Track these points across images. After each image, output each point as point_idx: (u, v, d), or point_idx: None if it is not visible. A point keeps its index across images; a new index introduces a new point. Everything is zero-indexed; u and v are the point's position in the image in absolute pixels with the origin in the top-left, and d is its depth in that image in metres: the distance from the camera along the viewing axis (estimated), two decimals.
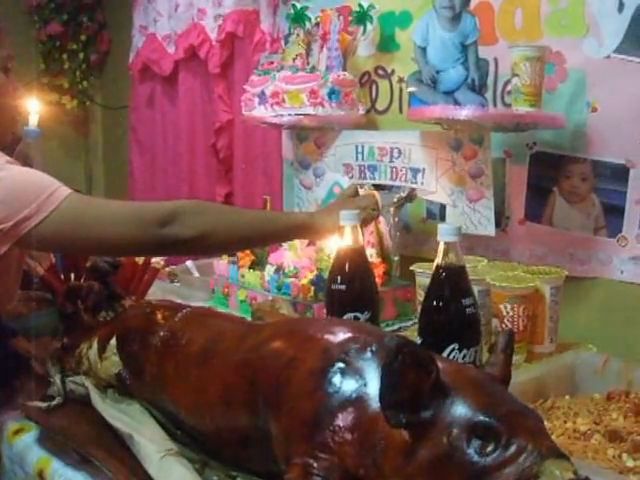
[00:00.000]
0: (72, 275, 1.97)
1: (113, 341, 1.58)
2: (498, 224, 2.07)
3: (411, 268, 1.86)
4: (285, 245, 2.18)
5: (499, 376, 1.04)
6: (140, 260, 2.02)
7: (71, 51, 4.27)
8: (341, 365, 1.06)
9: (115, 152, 4.33)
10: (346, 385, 1.03)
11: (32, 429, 1.63)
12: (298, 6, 2.49)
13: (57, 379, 1.70)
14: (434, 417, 0.92)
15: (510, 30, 2.11)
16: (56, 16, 4.23)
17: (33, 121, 2.07)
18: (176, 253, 1.91)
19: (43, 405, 1.66)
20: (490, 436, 0.89)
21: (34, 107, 2.07)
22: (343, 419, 1.01)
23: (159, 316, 1.49)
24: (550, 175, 2.07)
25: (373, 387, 1.00)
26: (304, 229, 1.77)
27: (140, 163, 3.92)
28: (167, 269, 2.50)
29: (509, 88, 2.01)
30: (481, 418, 0.90)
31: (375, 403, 0.97)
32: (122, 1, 3.99)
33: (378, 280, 1.79)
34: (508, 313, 1.69)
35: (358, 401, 1.01)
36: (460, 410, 0.92)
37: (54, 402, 1.67)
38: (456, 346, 1.33)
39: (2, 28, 1.75)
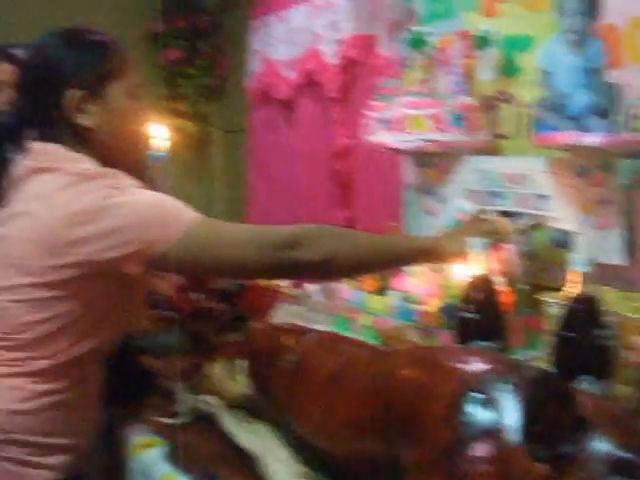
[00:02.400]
0: (199, 296, 2.02)
1: (241, 362, 1.61)
2: (629, 253, 2.03)
3: (540, 297, 1.84)
4: (409, 270, 2.18)
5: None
6: (265, 282, 2.05)
7: (190, 76, 4.38)
8: (478, 395, 1.06)
9: (234, 175, 4.40)
10: (483, 416, 1.03)
11: (158, 444, 1.67)
12: (418, 31, 2.50)
13: (184, 397, 1.75)
14: (574, 452, 0.91)
15: (638, 53, 2.08)
16: (175, 42, 4.35)
17: (160, 146, 2.12)
18: (298, 277, 1.95)
19: (170, 422, 1.71)
20: (630, 472, 0.87)
21: (161, 132, 2.12)
22: (480, 450, 1.01)
23: (287, 339, 1.52)
24: None
25: (511, 419, 1.00)
26: (429, 253, 1.73)
27: (259, 186, 3.97)
28: (290, 291, 2.53)
29: (638, 113, 1.97)
30: (621, 454, 0.89)
31: (513, 435, 0.96)
32: (240, 26, 4.06)
33: (507, 308, 1.77)
34: None
35: (495, 432, 1.01)
36: (600, 445, 0.91)
37: (181, 419, 1.72)
38: (590, 378, 1.31)
39: (132, 56, 1.81)
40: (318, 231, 1.62)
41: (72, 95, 1.66)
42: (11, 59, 2.61)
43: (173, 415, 1.77)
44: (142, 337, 1.99)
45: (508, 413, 1.01)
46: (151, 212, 1.57)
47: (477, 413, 1.04)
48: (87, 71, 1.68)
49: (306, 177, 3.58)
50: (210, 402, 1.69)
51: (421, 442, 1.10)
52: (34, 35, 3.68)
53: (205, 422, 1.71)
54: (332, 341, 1.51)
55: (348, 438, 1.28)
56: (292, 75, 3.57)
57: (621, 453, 0.89)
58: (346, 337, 1.65)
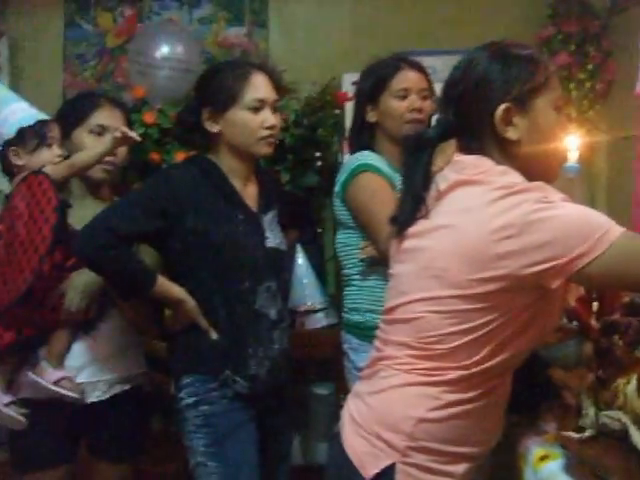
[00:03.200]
0: (601, 309, 1.99)
1: None
2: None
3: None
4: None
5: None
6: None
7: (578, 80, 4.34)
8: None
9: (618, 181, 4.31)
10: None
11: (558, 457, 1.69)
12: None
13: (591, 412, 1.74)
14: None
15: None
16: (564, 47, 4.33)
17: (573, 157, 2.12)
18: None
19: (576, 435, 1.72)
20: None
21: (574, 143, 2.12)
22: None
23: None
24: None
25: None
26: None
27: None
28: None
29: None
30: None
31: None
32: (630, 30, 3.96)
33: None
34: None
35: None
36: None
37: (586, 433, 1.72)
38: None
39: (555, 68, 1.83)
40: None
41: (502, 109, 1.71)
42: (414, 67, 2.75)
43: (577, 428, 1.77)
44: (544, 348, 2.01)
45: None
46: (577, 226, 1.57)
47: None
48: (517, 85, 1.72)
49: None
50: (618, 417, 1.66)
51: None
52: (432, 44, 3.90)
53: (609, 437, 1.70)
54: None
55: None
56: None
57: None
58: None
